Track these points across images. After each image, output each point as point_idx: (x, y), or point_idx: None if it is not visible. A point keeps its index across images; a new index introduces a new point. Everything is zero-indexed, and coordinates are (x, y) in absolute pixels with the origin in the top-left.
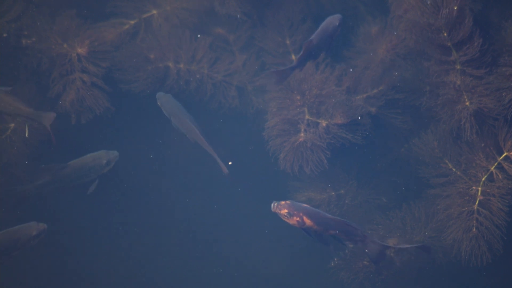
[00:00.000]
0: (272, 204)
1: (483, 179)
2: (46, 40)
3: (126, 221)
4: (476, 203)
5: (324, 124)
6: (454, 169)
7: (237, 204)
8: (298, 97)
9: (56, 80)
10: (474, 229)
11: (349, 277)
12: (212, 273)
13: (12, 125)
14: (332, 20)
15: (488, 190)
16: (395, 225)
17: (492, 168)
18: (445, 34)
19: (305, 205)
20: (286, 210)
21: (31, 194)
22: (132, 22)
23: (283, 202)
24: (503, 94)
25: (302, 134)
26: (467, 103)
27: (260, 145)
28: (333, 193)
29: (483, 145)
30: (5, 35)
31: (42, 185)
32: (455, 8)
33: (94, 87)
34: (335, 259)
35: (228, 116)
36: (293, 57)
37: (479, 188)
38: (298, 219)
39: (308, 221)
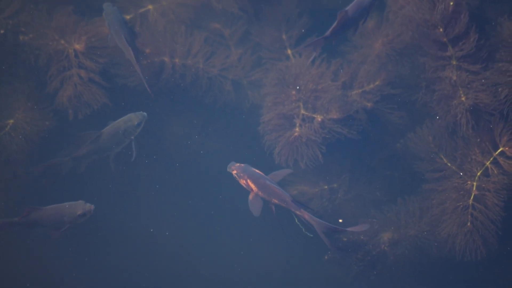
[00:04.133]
0: (229, 164)
1: (479, 174)
2: (43, 37)
3: (123, 220)
4: (471, 198)
5: (319, 119)
6: (449, 164)
7: (231, 199)
8: (294, 92)
9: (53, 76)
10: (469, 224)
11: (342, 271)
12: (209, 269)
13: (11, 121)
14: None
15: (483, 185)
16: (389, 219)
17: (487, 163)
18: (441, 30)
19: (258, 171)
20: (235, 171)
21: (69, 167)
22: (128, 17)
23: (237, 164)
24: (499, 89)
25: (297, 129)
26: (463, 99)
27: (255, 139)
28: (325, 187)
29: (478, 140)
30: (2, 31)
31: (80, 157)
32: (451, 3)
33: (92, 83)
34: (329, 252)
35: (224, 110)
36: (289, 51)
37: (474, 183)
38: (244, 181)
39: (253, 186)
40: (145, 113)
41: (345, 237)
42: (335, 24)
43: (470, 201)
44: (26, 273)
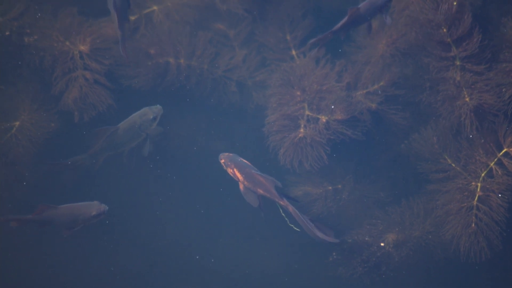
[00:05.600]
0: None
1: (483, 175)
2: (48, 38)
3: (122, 220)
4: (476, 199)
5: (324, 120)
6: (453, 165)
7: (234, 201)
8: (299, 93)
9: (58, 77)
10: (473, 225)
11: (347, 272)
12: (211, 269)
13: (17, 123)
14: None
15: (487, 186)
16: (394, 220)
17: (491, 164)
18: (445, 30)
19: (245, 161)
20: (223, 161)
21: (86, 164)
22: (133, 18)
23: (226, 154)
24: (503, 90)
25: (302, 130)
26: (467, 99)
27: (260, 140)
28: (330, 188)
29: (482, 141)
30: (7, 33)
31: (96, 153)
32: (454, 3)
33: (97, 84)
34: (334, 253)
35: (228, 111)
36: (294, 52)
37: (479, 184)
38: (231, 170)
39: (238, 175)
40: (160, 106)
41: (350, 239)
42: (345, 19)
43: (475, 202)
44: (35, 274)
